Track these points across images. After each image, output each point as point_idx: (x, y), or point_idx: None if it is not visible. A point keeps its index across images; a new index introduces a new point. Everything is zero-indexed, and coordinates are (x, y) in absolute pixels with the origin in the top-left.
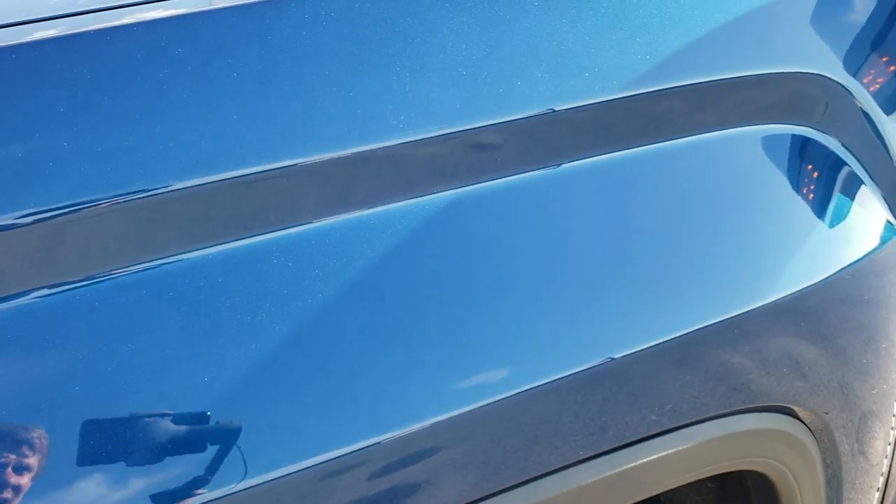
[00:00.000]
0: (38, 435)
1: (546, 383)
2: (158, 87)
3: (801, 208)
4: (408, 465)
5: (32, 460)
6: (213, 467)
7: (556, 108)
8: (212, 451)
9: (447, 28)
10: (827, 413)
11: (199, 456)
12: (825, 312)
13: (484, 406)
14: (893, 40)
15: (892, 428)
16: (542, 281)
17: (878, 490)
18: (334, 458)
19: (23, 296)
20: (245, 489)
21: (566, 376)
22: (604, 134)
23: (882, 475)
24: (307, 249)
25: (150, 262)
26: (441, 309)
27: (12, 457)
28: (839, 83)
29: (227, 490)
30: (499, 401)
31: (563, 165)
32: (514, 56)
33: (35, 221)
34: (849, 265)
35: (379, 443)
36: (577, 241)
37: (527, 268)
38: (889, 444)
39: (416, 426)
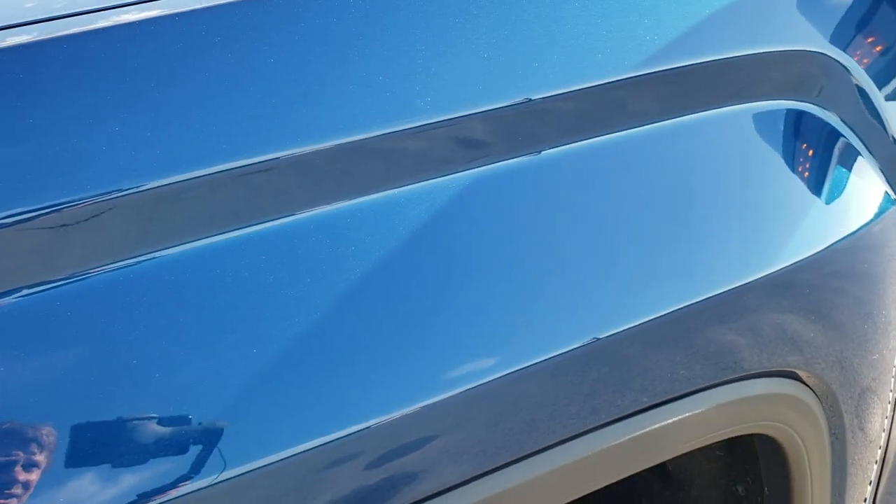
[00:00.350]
0: (46, 430)
1: (565, 352)
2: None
3: (801, 182)
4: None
5: (41, 457)
6: (204, 456)
7: (573, 89)
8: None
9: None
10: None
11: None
12: (824, 285)
13: (507, 375)
14: (886, 18)
15: (889, 403)
16: (554, 252)
17: (875, 463)
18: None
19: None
20: (245, 473)
21: (582, 346)
22: (603, 116)
23: (880, 448)
24: (286, 243)
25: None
26: (435, 296)
27: (21, 454)
28: (837, 60)
29: (215, 479)
30: (522, 369)
31: (545, 152)
32: (509, 42)
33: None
34: (847, 236)
35: (375, 426)
36: (582, 223)
37: (535, 244)
38: (886, 417)
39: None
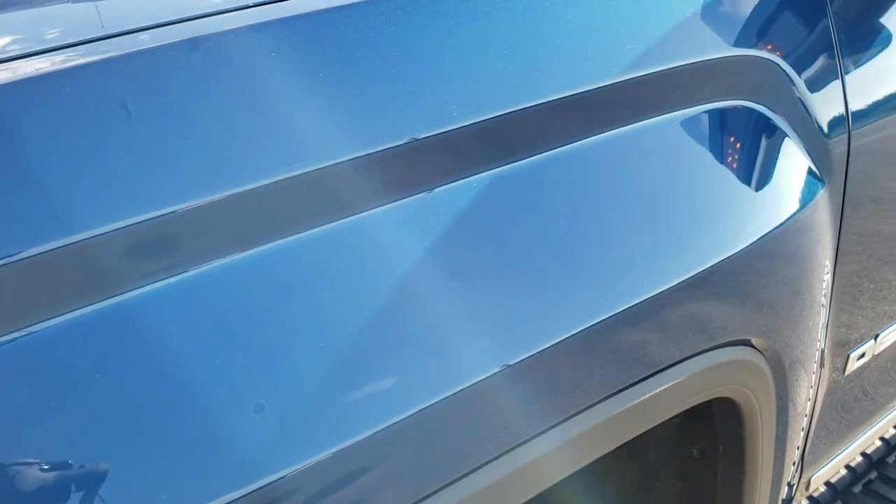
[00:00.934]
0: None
1: (560, 341)
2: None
3: (745, 172)
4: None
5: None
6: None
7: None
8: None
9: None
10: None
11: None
12: (766, 267)
13: (518, 362)
14: (803, 17)
15: (813, 373)
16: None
17: (803, 430)
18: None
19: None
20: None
21: (570, 336)
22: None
23: (806, 416)
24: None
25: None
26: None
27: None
28: (768, 59)
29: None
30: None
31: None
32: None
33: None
34: (786, 220)
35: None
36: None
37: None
38: (811, 387)
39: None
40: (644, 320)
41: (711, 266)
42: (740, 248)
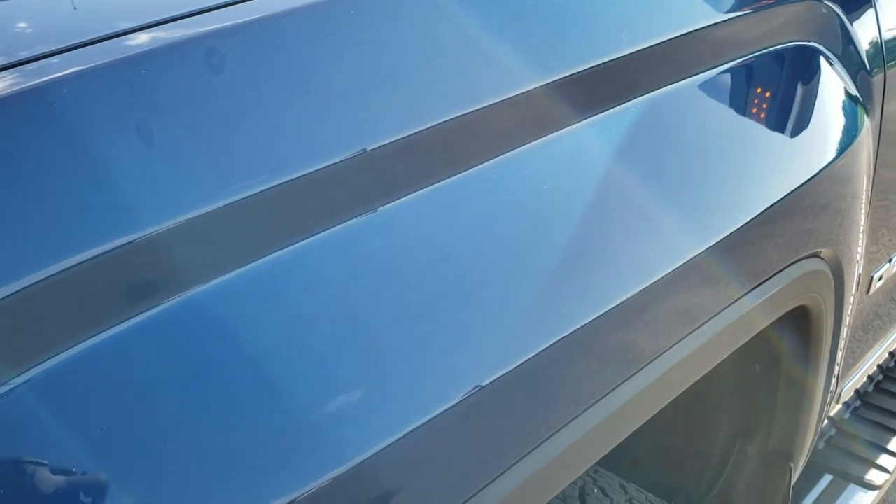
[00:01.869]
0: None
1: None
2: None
3: (810, 104)
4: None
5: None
6: None
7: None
8: None
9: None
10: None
11: None
12: (827, 190)
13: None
14: None
15: (853, 292)
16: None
17: (843, 340)
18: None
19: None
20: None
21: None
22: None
23: (846, 327)
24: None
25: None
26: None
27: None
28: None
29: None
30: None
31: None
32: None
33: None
34: (842, 152)
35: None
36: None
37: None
38: (850, 304)
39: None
40: (747, 237)
41: (796, 188)
42: (816, 172)
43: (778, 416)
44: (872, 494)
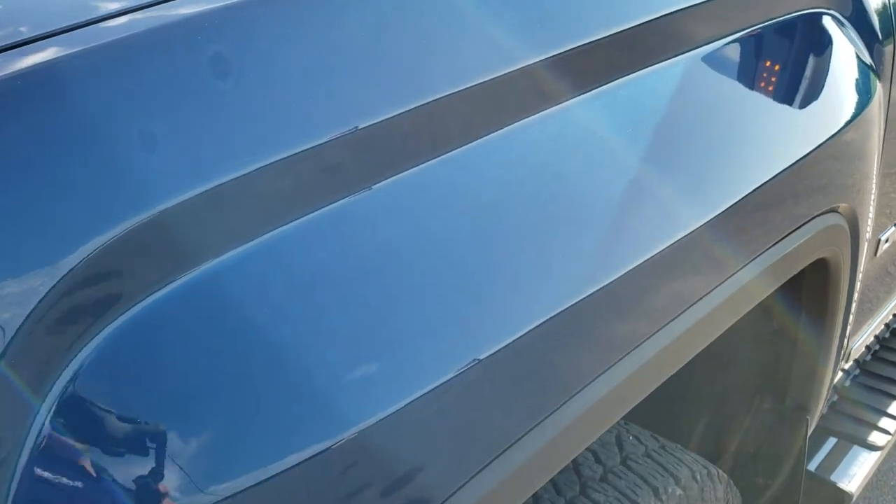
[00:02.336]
0: None
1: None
2: None
3: (828, 69)
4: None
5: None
6: None
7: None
8: None
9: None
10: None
11: None
12: (844, 152)
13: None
14: None
15: (864, 251)
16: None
17: (855, 302)
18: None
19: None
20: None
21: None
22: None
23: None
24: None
25: None
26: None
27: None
28: None
29: None
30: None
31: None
32: None
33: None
34: (855, 115)
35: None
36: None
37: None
38: (862, 258)
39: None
40: (771, 194)
41: (815, 148)
42: (833, 133)
43: (795, 370)
44: (875, 455)
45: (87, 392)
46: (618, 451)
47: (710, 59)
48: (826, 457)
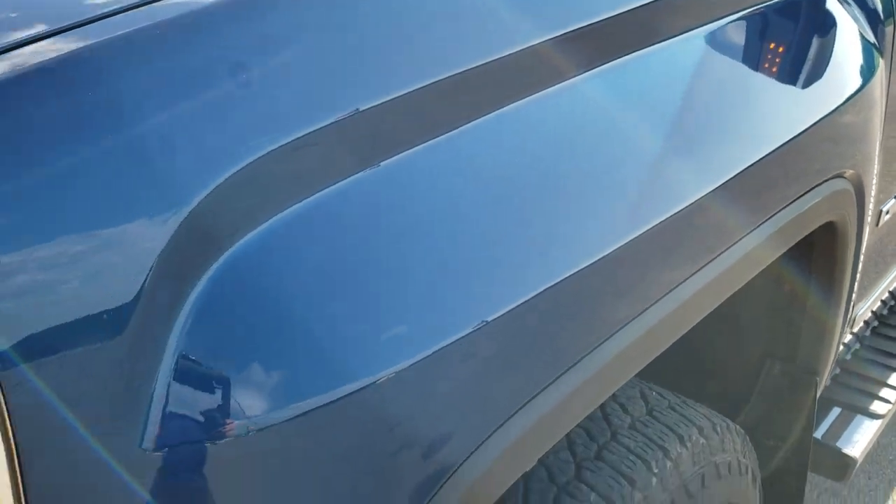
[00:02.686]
0: None
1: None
2: None
3: (832, 45)
4: None
5: None
6: None
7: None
8: None
9: None
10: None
11: None
12: (849, 122)
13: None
14: None
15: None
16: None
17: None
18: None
19: None
20: None
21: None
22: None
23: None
24: None
25: None
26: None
27: None
28: None
29: None
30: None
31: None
32: None
33: None
34: (859, 89)
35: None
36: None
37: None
38: (867, 224)
39: None
40: (782, 159)
41: (823, 117)
42: (840, 103)
43: (805, 333)
44: (878, 422)
45: (221, 302)
46: (643, 404)
47: (722, 34)
48: (831, 425)
